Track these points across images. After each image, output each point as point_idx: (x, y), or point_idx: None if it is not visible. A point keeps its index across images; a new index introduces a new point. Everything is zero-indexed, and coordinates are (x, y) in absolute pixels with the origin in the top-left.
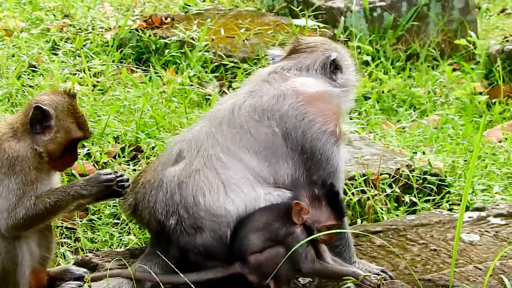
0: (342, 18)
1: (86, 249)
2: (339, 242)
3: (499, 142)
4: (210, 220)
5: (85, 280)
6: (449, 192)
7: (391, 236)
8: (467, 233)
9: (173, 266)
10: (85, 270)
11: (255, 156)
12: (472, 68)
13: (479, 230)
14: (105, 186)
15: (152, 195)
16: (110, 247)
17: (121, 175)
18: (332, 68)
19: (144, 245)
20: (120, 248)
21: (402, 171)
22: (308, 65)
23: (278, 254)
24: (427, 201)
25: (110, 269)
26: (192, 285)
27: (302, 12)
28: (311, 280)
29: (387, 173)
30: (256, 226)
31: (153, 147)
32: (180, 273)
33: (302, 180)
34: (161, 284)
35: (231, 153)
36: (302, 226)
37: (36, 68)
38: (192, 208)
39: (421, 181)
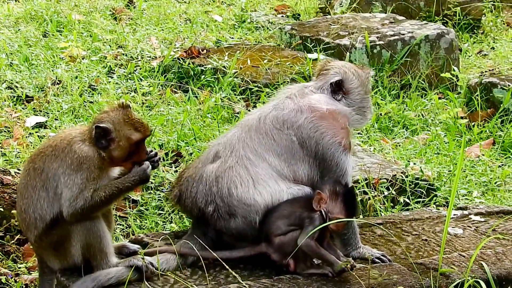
0: (348, 53)
1: (136, 234)
2: (347, 231)
3: (477, 157)
4: (242, 208)
5: (139, 253)
6: (436, 196)
7: (389, 227)
8: (453, 227)
9: (207, 246)
10: (138, 246)
11: (278, 157)
12: (455, 97)
13: (462, 225)
14: (145, 178)
15: (194, 187)
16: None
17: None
18: (333, 89)
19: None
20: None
21: (398, 177)
22: (321, 86)
23: (298, 236)
24: (418, 202)
25: (159, 246)
26: (224, 261)
27: (315, 48)
28: None
29: (385, 178)
30: (283, 214)
31: (191, 153)
32: (215, 251)
33: (316, 179)
34: (201, 258)
35: (258, 154)
36: (319, 213)
37: (95, 87)
38: (226, 198)
39: (413, 185)
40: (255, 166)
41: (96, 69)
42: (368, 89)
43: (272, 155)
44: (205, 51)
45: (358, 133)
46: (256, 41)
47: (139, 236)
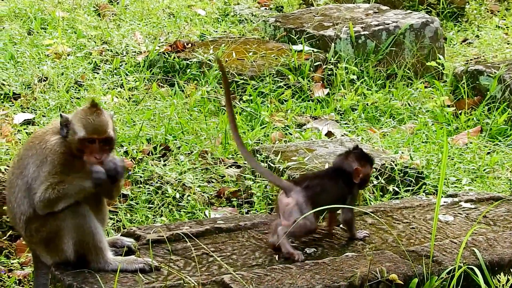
0: (333, 44)
1: (127, 228)
2: None
3: (465, 145)
4: None
5: (133, 246)
6: (425, 184)
7: (380, 216)
8: (443, 214)
9: None
10: (132, 240)
11: None
12: (441, 85)
13: (453, 212)
14: (97, 183)
15: None
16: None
17: (111, 168)
18: None
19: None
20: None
21: (387, 166)
22: None
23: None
24: (407, 190)
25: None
26: None
27: (299, 40)
28: (315, 250)
29: (374, 167)
30: (327, 189)
31: (179, 147)
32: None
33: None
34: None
35: None
36: (356, 185)
37: (82, 83)
38: None
39: (402, 174)
40: None
41: (81, 65)
42: None
43: None
44: (190, 45)
45: (345, 123)
46: (240, 34)
47: (131, 229)
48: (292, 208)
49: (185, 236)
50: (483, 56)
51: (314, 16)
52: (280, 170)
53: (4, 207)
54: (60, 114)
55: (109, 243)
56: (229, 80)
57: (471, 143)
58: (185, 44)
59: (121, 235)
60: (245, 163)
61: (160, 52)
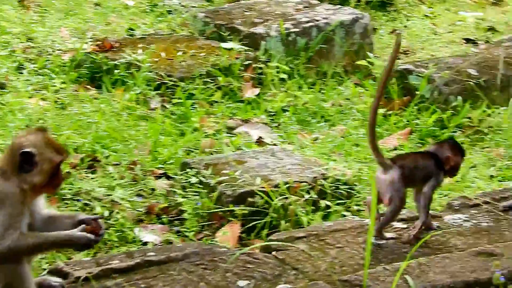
0: (263, 42)
1: (57, 256)
2: None
3: (394, 148)
4: None
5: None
6: (358, 196)
7: (312, 241)
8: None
9: None
10: (60, 280)
11: None
12: (369, 84)
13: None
14: (82, 247)
15: None
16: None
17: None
18: None
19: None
20: (87, 257)
21: (318, 179)
22: None
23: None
24: (339, 204)
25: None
26: None
27: (230, 37)
28: (249, 282)
29: (305, 181)
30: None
31: (107, 156)
32: None
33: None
34: None
35: None
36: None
37: (5, 85)
38: None
39: (334, 187)
40: None
41: (5, 65)
42: None
43: None
44: (118, 44)
45: (276, 126)
46: (169, 30)
47: (59, 265)
48: (388, 185)
49: (115, 272)
50: (412, 49)
51: (244, 11)
52: (211, 185)
53: None
54: (22, 152)
55: (36, 285)
56: (158, 82)
57: (401, 146)
58: (112, 43)
59: (48, 272)
60: (175, 176)
61: (87, 52)
